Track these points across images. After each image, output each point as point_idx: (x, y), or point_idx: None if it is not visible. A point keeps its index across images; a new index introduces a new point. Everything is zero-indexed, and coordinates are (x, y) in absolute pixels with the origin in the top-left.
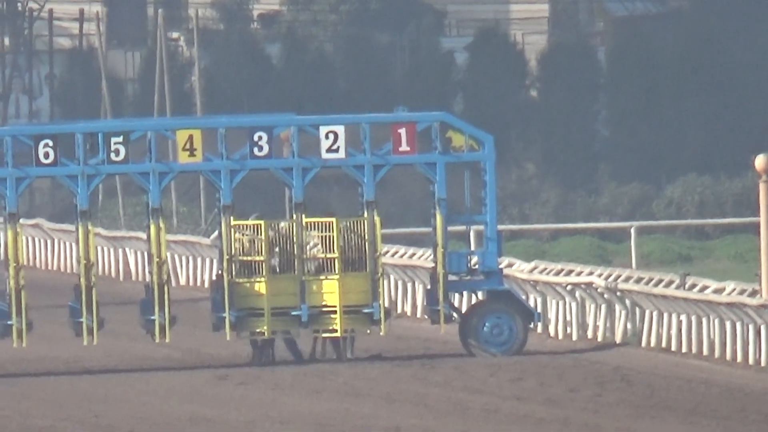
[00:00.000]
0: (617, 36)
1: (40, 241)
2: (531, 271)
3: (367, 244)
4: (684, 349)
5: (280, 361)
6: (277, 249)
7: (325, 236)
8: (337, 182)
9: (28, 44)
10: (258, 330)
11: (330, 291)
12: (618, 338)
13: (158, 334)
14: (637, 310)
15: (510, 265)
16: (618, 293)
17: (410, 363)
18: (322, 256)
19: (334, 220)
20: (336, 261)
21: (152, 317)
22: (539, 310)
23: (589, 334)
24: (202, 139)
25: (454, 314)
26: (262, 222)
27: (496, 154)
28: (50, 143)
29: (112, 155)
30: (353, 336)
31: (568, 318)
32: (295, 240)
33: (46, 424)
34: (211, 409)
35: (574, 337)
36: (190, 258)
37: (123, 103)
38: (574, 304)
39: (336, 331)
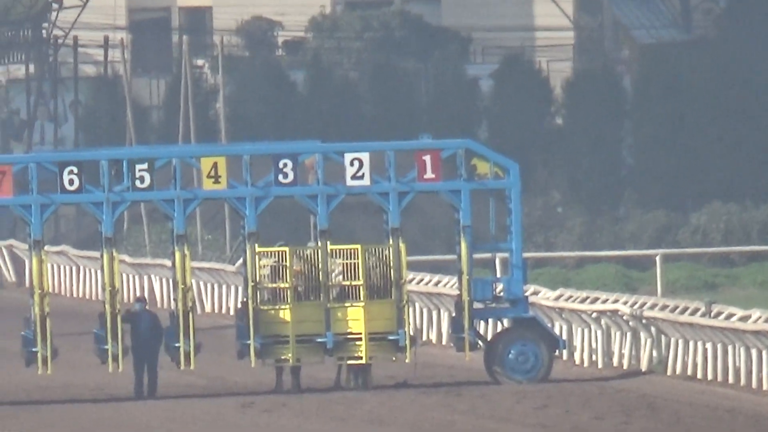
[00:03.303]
0: (642, 63)
1: (65, 268)
2: (556, 298)
3: (392, 271)
4: (710, 377)
5: (305, 389)
6: (302, 276)
7: (350, 263)
8: (362, 209)
9: (53, 71)
10: (283, 357)
11: (355, 318)
12: (644, 366)
13: (183, 362)
14: (663, 337)
15: (535, 293)
16: (643, 321)
17: (436, 390)
18: (347, 283)
19: (358, 247)
20: (361, 288)
21: (177, 344)
22: (564, 337)
23: (615, 361)
24: (227, 166)
25: (480, 342)
26: (287, 249)
27: (521, 182)
28: (75, 170)
29: (137, 182)
30: (369, 365)
31: (593, 345)
32: (320, 267)
33: None
34: None
35: (600, 365)
36: (215, 285)
37: (148, 130)
38: (599, 332)
39: (361, 358)
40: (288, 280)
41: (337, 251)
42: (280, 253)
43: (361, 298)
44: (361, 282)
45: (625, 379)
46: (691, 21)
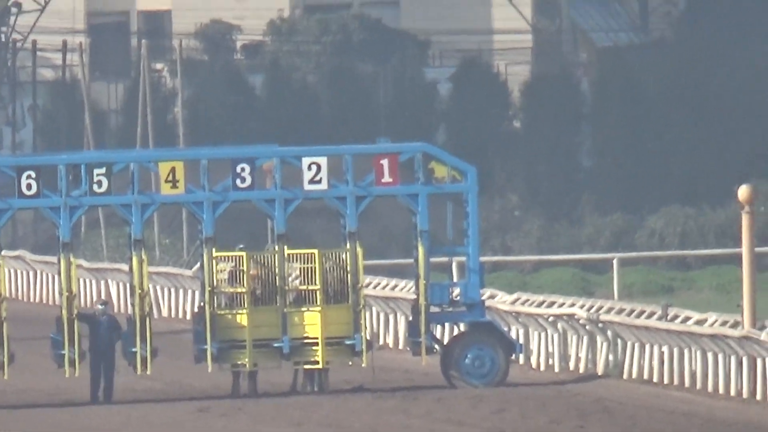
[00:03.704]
0: (601, 66)
1: (22, 272)
2: (513, 302)
3: (349, 275)
4: (666, 381)
5: (262, 393)
6: (259, 281)
7: (307, 268)
8: (320, 213)
9: (11, 75)
10: (240, 362)
11: (312, 323)
12: (600, 370)
13: (140, 366)
14: (619, 341)
15: (492, 297)
16: (600, 324)
17: (392, 395)
18: (304, 287)
19: (315, 251)
20: (318, 293)
21: (134, 349)
22: (521, 341)
23: (571, 365)
24: (185, 171)
25: (436, 346)
26: (243, 254)
27: (479, 185)
28: (33, 175)
29: (95, 187)
30: (327, 369)
31: (550, 349)
32: (277, 271)
33: None
34: None
35: (556, 369)
36: (173, 290)
37: (106, 134)
38: (556, 336)
39: (317, 362)
40: (245, 284)
41: (295, 256)
42: (238, 257)
43: (318, 303)
44: (318, 286)
45: (581, 383)
46: (649, 24)
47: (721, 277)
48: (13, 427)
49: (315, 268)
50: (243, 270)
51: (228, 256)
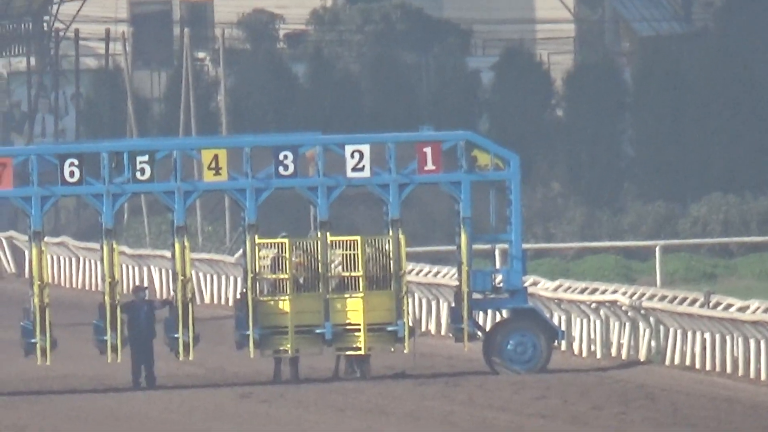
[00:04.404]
0: (643, 56)
1: (65, 259)
2: (555, 289)
3: (392, 262)
4: (708, 367)
5: (304, 379)
6: (302, 268)
7: (349, 254)
8: (363, 201)
9: (54, 64)
10: (282, 348)
11: (354, 309)
12: (642, 356)
13: (182, 352)
14: (662, 328)
15: (534, 284)
16: (642, 311)
17: (434, 381)
18: (346, 274)
19: (358, 238)
20: (360, 279)
21: (176, 335)
22: (563, 328)
23: (613, 352)
24: (228, 159)
25: (479, 332)
26: (286, 241)
27: (521, 173)
28: (76, 162)
29: (138, 174)
30: (369, 355)
31: (592, 336)
32: (320, 258)
33: None
34: (234, 427)
35: (598, 355)
36: (215, 276)
37: (148, 122)
38: (598, 322)
39: (360, 349)
40: (288, 271)
41: (337, 242)
42: (280, 244)
43: (361, 289)
44: (360, 273)
45: (623, 370)
46: (692, 13)
47: (764, 264)
48: (55, 413)
49: (357, 254)
50: (285, 257)
51: (270, 243)
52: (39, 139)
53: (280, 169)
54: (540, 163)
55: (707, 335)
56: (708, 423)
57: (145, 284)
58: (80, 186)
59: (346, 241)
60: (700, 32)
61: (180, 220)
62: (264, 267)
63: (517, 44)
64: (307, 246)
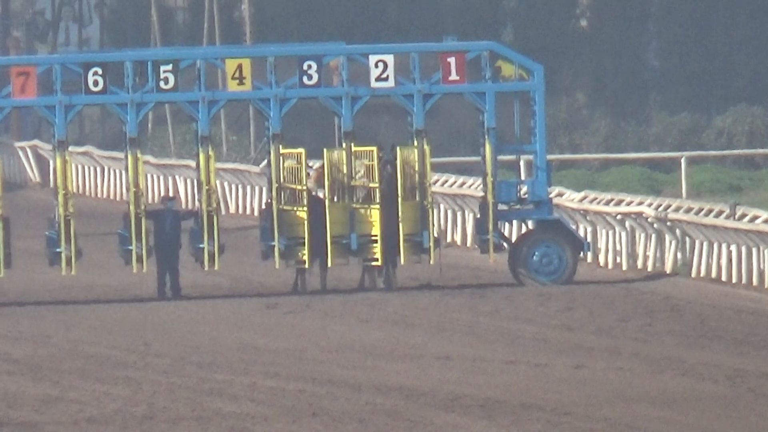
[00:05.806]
0: None
1: (89, 168)
2: (581, 200)
3: (416, 173)
4: (734, 279)
5: (330, 290)
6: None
7: (373, 165)
8: (387, 111)
9: None
10: (305, 258)
11: (378, 220)
12: (668, 268)
13: (207, 262)
14: (687, 240)
15: (560, 195)
16: (668, 223)
17: (460, 292)
18: (374, 185)
19: (374, 149)
20: (377, 190)
21: (201, 245)
22: (589, 239)
23: (639, 263)
24: (252, 68)
25: (504, 243)
26: (302, 150)
27: (546, 84)
28: (99, 71)
29: (162, 83)
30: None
31: (617, 248)
32: (344, 169)
33: (95, 352)
34: (260, 337)
35: (624, 267)
36: (240, 186)
37: (172, 31)
38: (624, 234)
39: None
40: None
41: (361, 153)
42: (300, 155)
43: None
44: (377, 185)
45: (649, 281)
46: None
47: None
48: (81, 323)
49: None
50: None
51: (294, 153)
52: (63, 48)
53: (304, 78)
54: (564, 73)
55: (733, 247)
56: (734, 335)
57: (170, 194)
58: (104, 95)
59: (371, 151)
60: None
61: (204, 130)
62: (287, 177)
63: None
64: (332, 157)
